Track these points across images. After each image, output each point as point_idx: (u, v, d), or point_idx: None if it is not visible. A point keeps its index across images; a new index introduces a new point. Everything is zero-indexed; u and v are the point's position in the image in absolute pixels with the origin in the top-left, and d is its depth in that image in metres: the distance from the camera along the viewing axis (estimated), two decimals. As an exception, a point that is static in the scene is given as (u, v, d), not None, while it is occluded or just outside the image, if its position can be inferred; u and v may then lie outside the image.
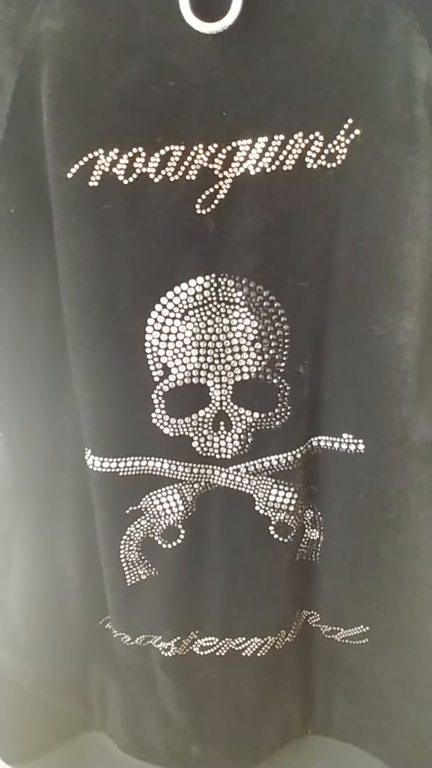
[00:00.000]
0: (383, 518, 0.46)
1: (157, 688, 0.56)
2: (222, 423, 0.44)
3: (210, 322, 0.41)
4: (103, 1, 0.34)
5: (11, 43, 0.35)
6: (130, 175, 0.37)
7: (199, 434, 0.45)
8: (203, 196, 0.38)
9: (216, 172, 0.37)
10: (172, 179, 0.37)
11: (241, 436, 0.45)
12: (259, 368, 0.43)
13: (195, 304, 0.41)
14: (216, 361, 0.42)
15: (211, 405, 0.44)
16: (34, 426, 0.46)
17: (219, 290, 0.40)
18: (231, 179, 0.38)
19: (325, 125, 0.36)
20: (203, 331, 0.41)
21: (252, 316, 0.41)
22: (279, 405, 0.44)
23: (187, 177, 0.37)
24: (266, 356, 0.42)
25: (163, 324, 0.41)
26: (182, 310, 0.41)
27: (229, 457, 0.45)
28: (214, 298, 0.41)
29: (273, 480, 0.46)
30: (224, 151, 0.37)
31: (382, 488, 0.45)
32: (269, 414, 0.44)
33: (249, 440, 0.45)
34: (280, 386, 0.43)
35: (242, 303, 0.41)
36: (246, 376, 0.43)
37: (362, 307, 0.40)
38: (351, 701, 0.56)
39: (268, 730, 0.58)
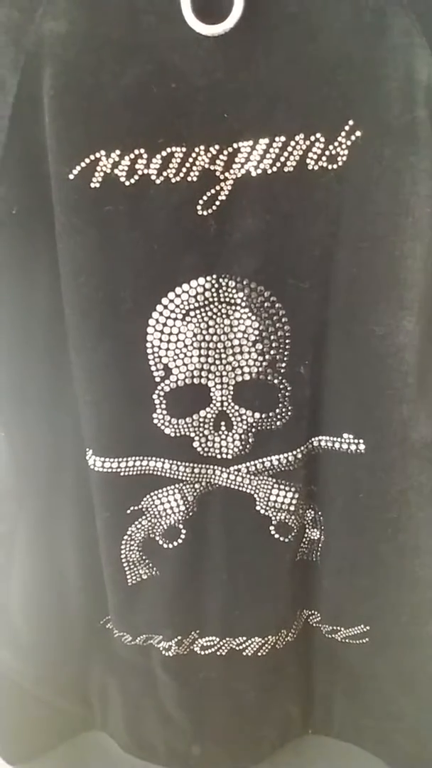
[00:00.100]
0: (383, 518, 0.46)
1: (158, 687, 0.56)
2: (223, 423, 0.44)
3: (211, 323, 0.41)
4: (106, 4, 0.34)
5: (14, 45, 0.36)
6: (131, 176, 0.37)
7: (200, 434, 0.45)
8: (204, 198, 0.38)
9: (217, 173, 0.37)
10: (173, 180, 0.37)
11: (242, 436, 0.45)
12: (260, 368, 0.43)
13: (196, 304, 0.41)
14: (217, 362, 0.42)
15: (212, 405, 0.44)
16: (36, 426, 0.46)
17: (220, 291, 0.41)
18: (232, 180, 0.38)
19: (326, 127, 0.36)
20: (204, 332, 0.42)
21: (253, 317, 0.41)
22: (280, 405, 0.44)
23: (189, 178, 0.37)
24: (267, 356, 0.42)
25: (165, 324, 0.41)
26: (183, 311, 0.41)
27: (229, 457, 0.46)
28: (216, 299, 0.41)
29: (274, 480, 0.46)
30: (225, 152, 0.37)
31: (383, 488, 0.45)
32: (270, 414, 0.44)
33: (250, 440, 0.45)
34: (281, 386, 0.43)
35: (243, 304, 0.41)
36: (247, 377, 0.43)
37: (363, 307, 0.41)
38: (351, 701, 0.57)
39: (268, 730, 0.58)
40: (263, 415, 0.44)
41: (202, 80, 0.36)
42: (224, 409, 0.44)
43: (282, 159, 0.37)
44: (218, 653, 0.53)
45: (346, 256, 0.39)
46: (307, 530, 0.49)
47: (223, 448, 0.45)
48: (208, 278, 0.40)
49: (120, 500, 0.47)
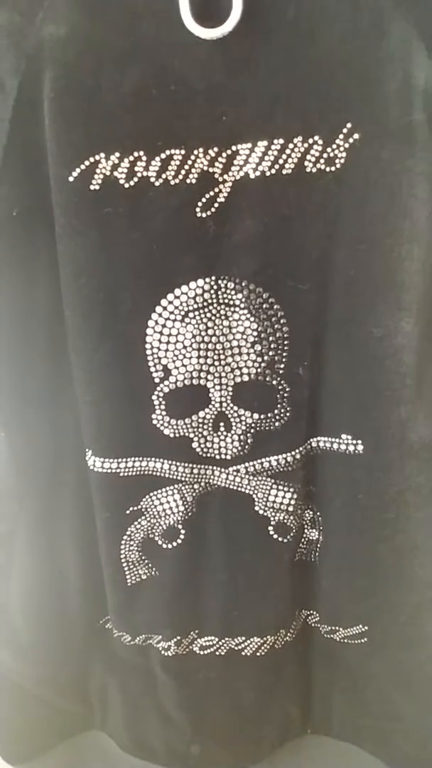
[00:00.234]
0: (382, 518, 0.46)
1: (157, 687, 0.56)
2: (222, 424, 0.45)
3: (210, 324, 0.42)
4: (105, 8, 0.35)
5: (14, 48, 0.36)
6: (131, 178, 0.37)
7: (199, 435, 0.45)
8: (203, 200, 0.38)
9: (216, 175, 0.38)
10: (172, 183, 0.38)
11: (241, 437, 0.45)
12: (259, 369, 0.43)
13: (195, 306, 0.41)
14: (216, 363, 0.43)
15: (211, 406, 0.44)
16: (36, 427, 0.46)
17: (219, 292, 0.41)
18: (231, 183, 0.38)
19: (324, 129, 0.36)
20: (203, 333, 0.42)
21: (252, 318, 0.41)
22: (278, 406, 0.44)
23: (188, 180, 0.38)
24: (266, 358, 0.43)
25: (164, 326, 0.42)
26: (182, 312, 0.41)
27: (228, 457, 0.46)
28: (214, 300, 0.41)
29: (272, 480, 0.46)
30: (224, 154, 0.37)
31: (381, 489, 0.45)
32: (269, 415, 0.44)
33: (249, 441, 0.45)
34: (280, 387, 0.44)
35: (242, 305, 0.41)
36: (246, 378, 0.43)
37: (361, 309, 0.41)
38: (350, 700, 0.57)
39: (267, 730, 0.58)
40: (262, 416, 0.44)
41: (201, 83, 0.36)
42: (223, 409, 0.44)
43: (280, 161, 0.37)
44: (217, 653, 0.53)
45: (345, 258, 0.40)
46: (305, 530, 0.50)
47: (222, 449, 0.46)
48: (207, 280, 0.40)
49: (119, 500, 0.47)
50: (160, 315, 0.41)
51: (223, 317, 0.41)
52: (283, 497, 0.47)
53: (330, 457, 0.46)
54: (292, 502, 0.47)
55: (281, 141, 0.37)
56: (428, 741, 0.55)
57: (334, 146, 0.37)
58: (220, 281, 0.40)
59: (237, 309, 0.41)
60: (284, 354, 0.43)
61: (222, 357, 0.43)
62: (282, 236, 0.39)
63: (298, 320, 0.42)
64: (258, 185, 0.38)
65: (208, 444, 0.45)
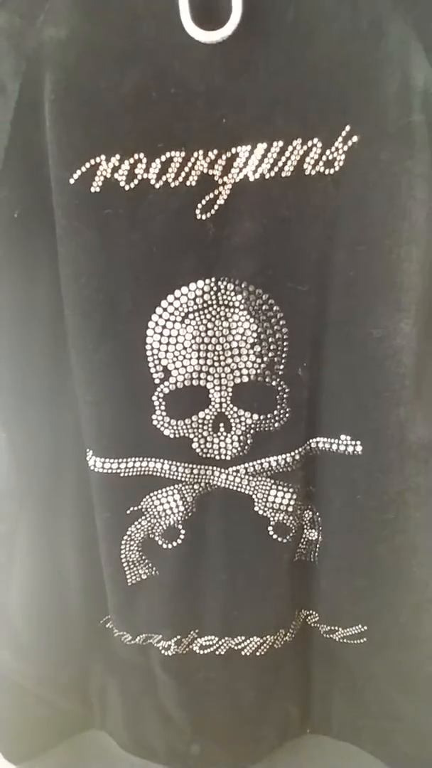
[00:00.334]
0: (381, 519, 0.46)
1: (157, 686, 0.56)
2: (222, 424, 0.45)
3: (210, 325, 0.42)
4: (106, 11, 0.35)
5: (15, 50, 0.36)
6: (131, 180, 0.38)
7: (199, 436, 0.45)
8: (203, 202, 0.38)
9: (216, 177, 0.38)
10: (172, 185, 0.38)
11: (241, 438, 0.45)
12: (259, 371, 0.43)
13: (195, 307, 0.41)
14: (216, 364, 0.43)
15: (210, 407, 0.44)
16: (37, 427, 0.47)
17: (219, 294, 0.41)
18: (231, 185, 0.38)
19: (323, 132, 0.36)
20: (203, 334, 0.42)
21: (251, 319, 0.42)
22: (278, 407, 0.44)
23: (188, 183, 0.38)
24: (265, 359, 0.43)
25: (164, 327, 0.42)
26: (182, 313, 0.41)
27: (228, 458, 0.46)
28: (214, 302, 0.41)
29: (272, 481, 0.47)
30: (224, 157, 0.37)
31: (380, 489, 0.45)
32: (268, 416, 0.45)
33: (248, 441, 0.45)
34: (279, 388, 0.44)
35: (242, 306, 0.41)
36: (245, 379, 0.43)
37: (360, 310, 0.41)
38: (349, 700, 0.57)
39: (267, 729, 0.58)
40: (261, 417, 0.44)
41: (200, 86, 0.36)
42: (223, 410, 0.44)
43: (280, 164, 0.37)
44: (217, 653, 0.53)
45: (344, 260, 0.40)
46: (305, 531, 0.50)
47: (222, 449, 0.46)
48: (207, 281, 0.41)
49: (120, 501, 0.47)
50: (160, 316, 0.41)
51: (222, 318, 0.42)
52: (283, 497, 0.47)
53: (329, 457, 0.46)
54: (292, 502, 0.47)
55: (280, 143, 0.37)
56: (428, 741, 0.55)
57: (334, 148, 0.37)
58: (219, 283, 0.41)
59: (237, 310, 0.41)
60: (284, 355, 0.43)
61: (222, 358, 0.43)
62: (281, 238, 0.39)
63: (298, 321, 0.42)
64: (257, 187, 0.38)
65: (207, 444, 0.45)
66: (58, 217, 0.39)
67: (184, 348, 0.42)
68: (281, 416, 0.45)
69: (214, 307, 0.41)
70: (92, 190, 0.38)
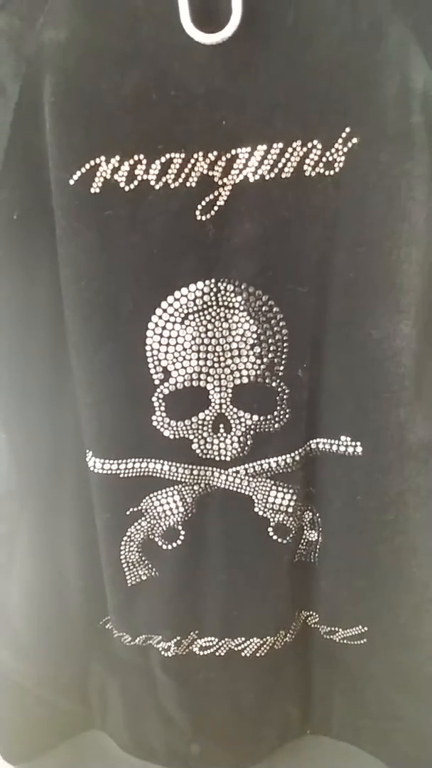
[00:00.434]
0: (381, 519, 0.46)
1: (157, 687, 0.56)
2: (221, 425, 0.45)
3: (210, 326, 0.42)
4: (106, 13, 0.35)
5: (15, 52, 0.36)
6: (131, 181, 0.38)
7: (199, 436, 0.45)
8: (203, 203, 0.38)
9: (216, 179, 0.38)
10: (172, 186, 0.38)
11: (241, 439, 0.45)
12: (258, 372, 0.43)
13: (195, 308, 0.41)
14: (216, 365, 0.43)
15: (210, 408, 0.44)
16: (37, 428, 0.47)
17: (219, 295, 0.41)
18: (230, 186, 0.38)
19: (323, 134, 0.36)
20: (203, 335, 0.42)
21: (251, 321, 0.42)
22: (278, 408, 0.44)
23: (188, 184, 0.38)
24: (265, 360, 0.43)
25: (164, 328, 0.42)
26: (182, 315, 0.41)
27: (228, 459, 0.46)
28: (214, 303, 0.41)
29: (272, 482, 0.47)
30: (224, 158, 0.37)
31: (380, 490, 0.45)
32: (268, 417, 0.45)
33: (248, 442, 0.45)
34: (279, 389, 0.44)
35: (241, 307, 0.41)
36: (245, 380, 0.43)
37: (360, 311, 0.41)
38: (350, 701, 0.57)
39: (267, 730, 0.59)
40: (261, 418, 0.45)
41: (200, 87, 0.36)
42: (223, 411, 0.44)
43: (280, 165, 0.37)
44: (217, 654, 0.53)
45: (344, 261, 0.40)
46: (305, 532, 0.50)
47: (222, 450, 0.46)
48: (207, 282, 0.41)
49: (120, 501, 0.47)
50: (160, 317, 0.41)
51: (222, 319, 0.42)
52: (283, 498, 0.47)
53: (329, 458, 0.46)
54: (292, 503, 0.47)
55: (280, 145, 0.37)
56: (428, 741, 0.55)
57: (333, 150, 0.37)
58: (219, 284, 0.41)
59: (236, 311, 0.41)
60: (283, 356, 0.43)
61: (222, 359, 0.43)
62: (281, 239, 0.39)
63: (298, 322, 0.42)
64: (257, 189, 0.38)
65: (207, 445, 0.45)
66: (58, 218, 0.39)
67: (184, 349, 0.42)
68: (281, 417, 0.45)
69: (214, 308, 0.41)
70: (92, 191, 0.38)
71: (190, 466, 0.46)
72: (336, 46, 0.35)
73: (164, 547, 0.49)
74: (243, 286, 0.41)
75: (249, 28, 0.34)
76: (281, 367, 0.43)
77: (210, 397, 0.44)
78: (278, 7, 0.35)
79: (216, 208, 0.39)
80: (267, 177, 0.38)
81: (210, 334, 0.42)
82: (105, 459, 0.46)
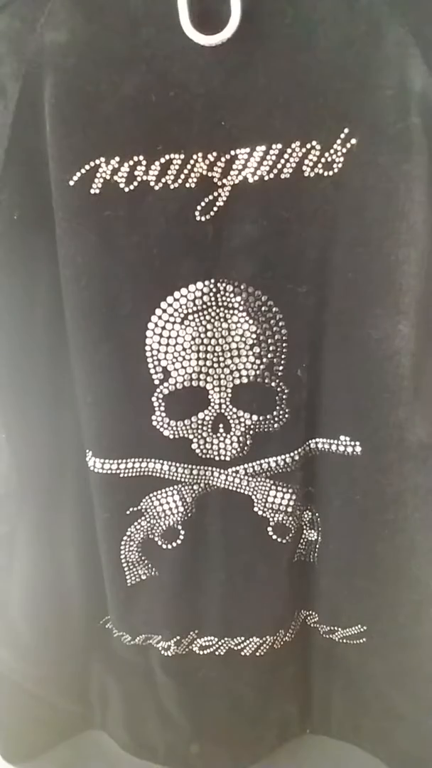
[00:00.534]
0: (380, 519, 0.46)
1: (157, 687, 0.56)
2: (221, 425, 0.45)
3: (209, 327, 0.42)
4: (105, 15, 0.35)
5: (15, 54, 0.36)
6: (131, 182, 0.38)
7: (199, 436, 0.45)
8: (203, 203, 0.39)
9: (215, 179, 0.38)
10: (172, 187, 0.38)
11: (240, 439, 0.45)
12: (258, 372, 0.43)
13: (194, 308, 0.41)
14: (215, 365, 0.43)
15: (210, 408, 0.44)
16: (37, 428, 0.47)
17: (218, 295, 0.41)
18: (230, 187, 0.38)
19: (322, 134, 0.37)
20: (203, 335, 0.42)
21: (250, 321, 0.42)
22: (277, 408, 0.44)
23: (187, 184, 0.38)
24: (264, 360, 0.43)
25: (164, 328, 0.42)
26: (182, 315, 0.41)
27: (228, 458, 0.46)
28: (214, 303, 0.41)
29: (271, 481, 0.47)
30: (223, 159, 0.37)
31: (379, 490, 0.46)
32: (268, 417, 0.45)
33: (248, 442, 0.46)
34: (279, 389, 0.44)
35: (241, 308, 0.41)
36: (245, 380, 0.44)
37: (359, 311, 0.41)
38: (349, 700, 0.57)
39: (266, 729, 0.59)
40: (261, 418, 0.45)
41: (200, 88, 0.36)
42: (222, 411, 0.45)
43: (279, 166, 0.37)
44: (217, 653, 0.53)
45: (343, 261, 0.40)
46: (304, 531, 0.50)
47: (222, 450, 0.46)
48: (207, 282, 0.41)
49: (119, 501, 0.47)
50: (159, 317, 0.42)
51: (222, 320, 0.42)
52: (282, 498, 0.47)
53: (329, 458, 0.46)
54: (291, 503, 0.47)
55: (279, 146, 0.37)
56: (428, 740, 0.55)
57: (332, 151, 0.37)
58: (219, 284, 0.41)
59: (236, 312, 0.42)
60: (283, 356, 0.43)
61: (221, 359, 0.43)
62: (280, 239, 0.39)
63: (297, 323, 0.42)
64: (256, 189, 0.38)
65: (207, 445, 0.46)
66: (58, 218, 0.39)
67: (184, 349, 0.42)
68: (280, 417, 0.45)
69: (214, 308, 0.41)
70: (92, 191, 0.38)
71: (189, 466, 0.46)
72: (334, 47, 0.35)
73: (164, 546, 0.49)
74: (242, 287, 0.41)
75: (248, 30, 0.35)
76: (280, 367, 0.43)
77: (209, 397, 0.44)
78: (277, 9, 0.35)
79: (215, 208, 0.39)
80: (266, 177, 0.38)
81: (209, 334, 0.42)
82: (105, 459, 0.46)
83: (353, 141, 0.37)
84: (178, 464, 0.46)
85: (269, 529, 0.48)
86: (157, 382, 0.43)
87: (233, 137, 0.37)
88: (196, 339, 0.42)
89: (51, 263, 0.41)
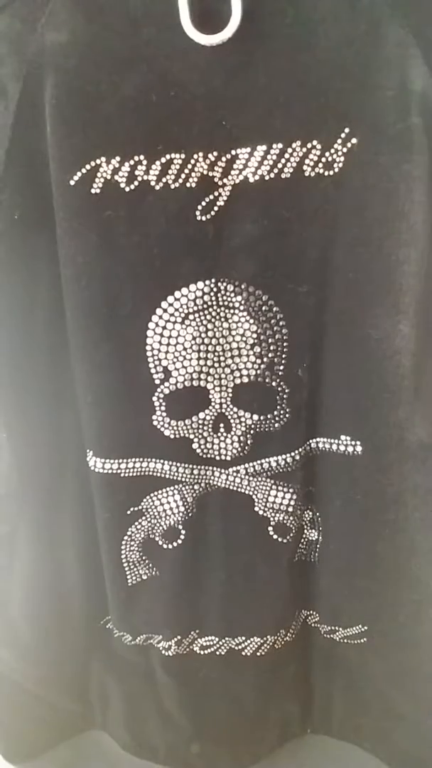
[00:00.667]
0: (381, 519, 0.46)
1: (158, 687, 0.56)
2: (222, 425, 0.45)
3: (210, 326, 0.42)
4: (106, 15, 0.35)
5: (16, 54, 0.36)
6: (131, 182, 0.38)
7: (199, 436, 0.45)
8: (203, 203, 0.39)
9: (216, 179, 0.38)
10: (172, 186, 0.38)
11: (241, 438, 0.45)
12: (258, 371, 0.43)
13: (195, 308, 0.41)
14: (216, 365, 0.43)
15: (211, 407, 0.44)
16: (38, 427, 0.47)
17: (219, 295, 0.41)
18: (230, 186, 0.38)
19: (322, 134, 0.37)
20: (203, 335, 0.42)
21: (251, 320, 0.42)
22: (278, 407, 0.45)
23: (188, 184, 0.38)
24: (265, 359, 0.43)
25: (164, 328, 0.42)
26: (183, 314, 0.42)
27: (228, 458, 0.46)
28: (214, 303, 0.41)
29: (272, 481, 0.47)
30: (224, 158, 0.38)
31: (380, 489, 0.46)
32: (268, 416, 0.45)
33: (248, 442, 0.46)
34: (279, 389, 0.44)
35: (241, 307, 0.41)
36: (245, 379, 0.44)
37: (360, 311, 0.41)
38: (350, 700, 0.57)
39: (267, 729, 0.59)
40: (261, 417, 0.45)
41: (200, 88, 0.36)
42: (223, 411, 0.45)
43: (279, 165, 0.37)
44: (217, 653, 0.53)
45: (343, 261, 0.40)
46: (305, 531, 0.50)
47: (222, 450, 0.46)
48: (207, 282, 0.41)
49: (120, 501, 0.47)
50: (160, 317, 0.42)
51: (222, 319, 0.42)
52: (283, 498, 0.47)
53: (329, 458, 0.46)
54: (292, 502, 0.47)
55: (280, 145, 0.37)
56: (428, 741, 0.55)
57: (333, 151, 0.37)
58: (219, 284, 0.41)
59: (237, 311, 0.42)
60: (283, 356, 0.43)
61: (222, 359, 0.43)
62: (281, 239, 0.39)
63: (297, 322, 0.42)
64: (257, 189, 0.38)
65: (208, 445, 0.46)
66: (58, 218, 0.39)
67: (185, 349, 0.42)
68: (281, 417, 0.45)
69: (214, 308, 0.41)
70: (92, 191, 0.38)
71: (190, 466, 0.46)
72: (335, 47, 0.35)
73: (165, 546, 0.49)
74: (243, 286, 0.41)
75: (248, 30, 0.35)
76: (281, 367, 0.43)
77: (210, 396, 0.44)
78: (278, 9, 0.35)
79: (216, 208, 0.39)
80: (267, 177, 0.38)
81: (210, 333, 0.42)
82: (105, 458, 0.46)
83: (354, 141, 0.37)
84: (178, 464, 0.46)
85: (270, 528, 0.48)
86: (157, 381, 0.43)
87: (234, 137, 0.37)
88: (197, 339, 0.42)
89: (52, 263, 0.41)
